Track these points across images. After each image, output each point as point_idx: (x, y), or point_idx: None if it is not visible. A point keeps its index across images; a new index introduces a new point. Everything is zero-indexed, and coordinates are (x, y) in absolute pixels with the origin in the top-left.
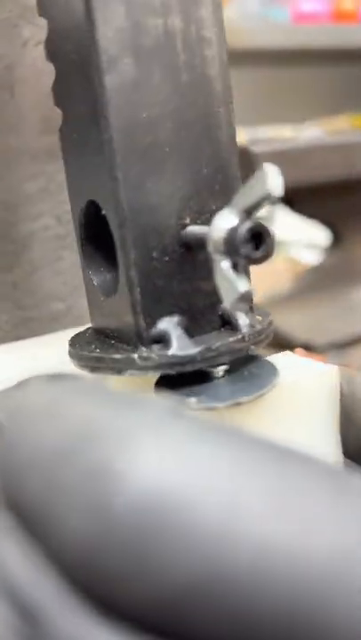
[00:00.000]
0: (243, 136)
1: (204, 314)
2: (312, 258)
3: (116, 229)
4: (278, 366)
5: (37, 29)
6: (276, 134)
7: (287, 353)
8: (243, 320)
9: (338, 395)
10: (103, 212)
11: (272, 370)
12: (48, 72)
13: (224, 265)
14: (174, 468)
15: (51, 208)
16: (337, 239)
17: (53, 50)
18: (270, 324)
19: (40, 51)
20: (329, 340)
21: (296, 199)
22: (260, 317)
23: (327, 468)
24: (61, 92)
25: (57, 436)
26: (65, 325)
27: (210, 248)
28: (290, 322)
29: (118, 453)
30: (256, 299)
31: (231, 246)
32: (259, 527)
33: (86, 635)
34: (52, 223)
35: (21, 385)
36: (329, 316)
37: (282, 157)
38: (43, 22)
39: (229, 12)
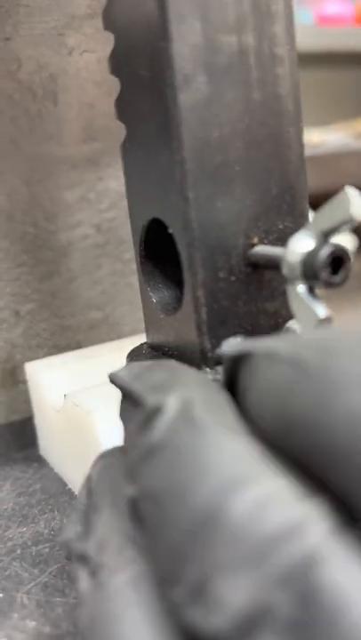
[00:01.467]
0: None
1: (269, 334)
2: None
3: (185, 249)
4: None
5: (83, 38)
6: (305, 139)
7: None
8: None
9: None
10: (170, 231)
11: None
12: (92, 82)
13: (300, 289)
14: None
15: (90, 217)
16: None
17: (119, 64)
18: None
19: (85, 60)
20: None
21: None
22: None
23: None
24: (126, 108)
25: None
26: (101, 334)
27: (285, 270)
28: None
29: None
30: None
31: (309, 270)
32: None
33: None
34: (91, 232)
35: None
36: (354, 321)
37: (310, 163)
38: (89, 31)
39: None
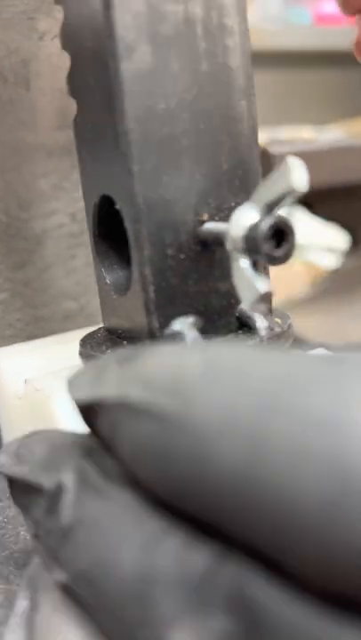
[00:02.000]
0: (262, 137)
1: (221, 315)
2: (331, 261)
3: (131, 224)
4: None
5: (54, 22)
6: (296, 136)
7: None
8: (261, 322)
9: None
10: (117, 207)
11: None
12: (64, 67)
13: (243, 263)
14: None
15: (65, 205)
16: (356, 243)
17: (68, 38)
18: (290, 327)
19: (57, 44)
20: (345, 344)
21: (315, 202)
22: (279, 320)
23: None
24: (76, 82)
25: (254, 390)
26: (77, 324)
27: (228, 245)
28: (307, 325)
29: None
30: (274, 301)
31: (252, 243)
32: None
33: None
34: (66, 221)
35: (142, 357)
36: (346, 319)
37: (301, 159)
38: (60, 15)
39: (251, 14)
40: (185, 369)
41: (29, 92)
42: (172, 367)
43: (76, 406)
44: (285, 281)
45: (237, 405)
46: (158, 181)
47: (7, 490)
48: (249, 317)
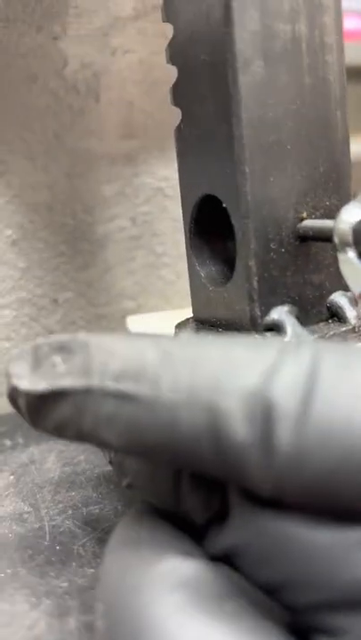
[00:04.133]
0: None
1: (314, 305)
2: None
3: (239, 220)
4: None
5: (126, 40)
6: None
7: None
8: (350, 312)
9: None
10: (224, 205)
11: None
12: (132, 81)
13: (351, 254)
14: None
15: (126, 210)
16: None
17: (177, 53)
18: None
19: (127, 60)
20: None
21: None
22: None
23: None
24: (183, 92)
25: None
26: None
27: (336, 239)
28: None
29: None
30: None
31: (358, 236)
32: None
33: None
34: (127, 225)
35: (87, 348)
36: None
37: None
38: (132, 33)
39: None
40: (146, 360)
41: (99, 103)
42: (134, 359)
43: (24, 395)
44: None
45: (193, 386)
46: (266, 181)
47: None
48: (339, 307)
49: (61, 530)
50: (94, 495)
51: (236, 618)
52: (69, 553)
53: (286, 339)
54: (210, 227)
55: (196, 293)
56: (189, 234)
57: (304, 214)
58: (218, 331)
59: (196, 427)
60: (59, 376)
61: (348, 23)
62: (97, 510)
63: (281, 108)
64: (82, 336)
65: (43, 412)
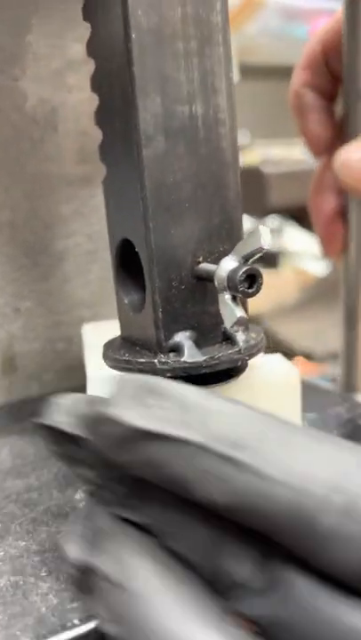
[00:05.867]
0: (256, 156)
1: (210, 330)
2: (318, 270)
3: (146, 264)
4: (262, 365)
5: (81, 78)
6: (287, 155)
7: (277, 355)
8: (240, 336)
9: (298, 390)
10: (136, 250)
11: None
12: (86, 114)
13: (226, 297)
14: None
15: (82, 227)
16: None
17: (100, 116)
18: (262, 339)
19: (81, 96)
20: (328, 350)
21: (303, 216)
22: (253, 335)
23: None
24: (106, 153)
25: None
26: None
27: (216, 284)
28: (293, 331)
29: None
30: (265, 308)
31: (232, 284)
32: None
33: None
34: (84, 241)
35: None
36: (329, 326)
37: (291, 177)
38: (86, 71)
39: (250, 29)
40: (246, 432)
41: (57, 133)
42: (235, 426)
43: (119, 425)
44: (276, 288)
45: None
46: (167, 233)
47: None
48: (232, 333)
49: (5, 511)
50: (36, 483)
51: None
52: (8, 529)
53: (183, 358)
54: (132, 262)
55: (121, 316)
56: (115, 268)
57: (200, 258)
58: (137, 349)
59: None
60: (157, 419)
61: (322, 22)
62: (35, 495)
63: (180, 173)
64: (163, 382)
65: (131, 446)
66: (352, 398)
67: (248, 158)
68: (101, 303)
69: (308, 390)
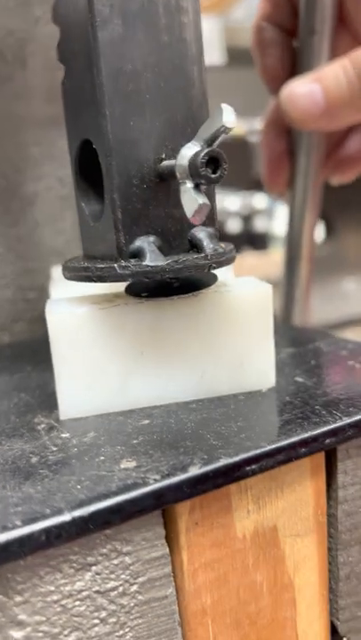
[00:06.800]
0: (242, 127)
1: (175, 237)
2: None
3: (103, 158)
4: (233, 282)
5: (49, 9)
6: None
7: (249, 277)
8: (207, 243)
9: (271, 307)
10: (94, 146)
11: (213, 279)
12: (54, 47)
13: (188, 185)
14: None
15: (54, 170)
16: (330, 231)
17: (58, 15)
18: (232, 250)
19: (50, 29)
20: (319, 323)
21: None
22: (223, 245)
23: None
24: (64, 50)
25: None
26: None
27: (177, 173)
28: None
29: None
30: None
31: (193, 169)
32: None
33: None
34: (55, 184)
35: None
36: (320, 302)
37: None
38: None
39: (237, 12)
40: None
41: (25, 69)
42: None
43: None
44: (264, 268)
45: None
46: (125, 125)
47: None
48: (199, 240)
49: None
50: None
51: None
52: None
53: (145, 262)
54: (93, 169)
55: (82, 230)
56: (75, 175)
57: (164, 155)
58: (97, 259)
59: None
60: None
61: None
62: None
63: (140, 62)
64: None
65: None
66: (333, 335)
67: (233, 131)
68: (74, 249)
69: (289, 328)
